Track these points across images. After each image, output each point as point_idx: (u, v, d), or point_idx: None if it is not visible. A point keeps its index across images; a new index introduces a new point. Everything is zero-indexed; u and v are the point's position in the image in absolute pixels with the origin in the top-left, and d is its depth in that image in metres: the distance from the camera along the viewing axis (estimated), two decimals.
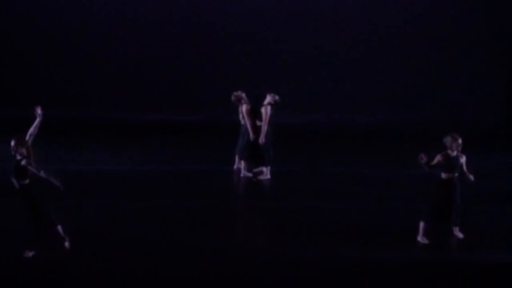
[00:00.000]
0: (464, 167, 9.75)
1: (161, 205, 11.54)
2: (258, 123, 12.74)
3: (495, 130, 18.11)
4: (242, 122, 12.95)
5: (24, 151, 8.85)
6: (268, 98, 12.77)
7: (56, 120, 16.54)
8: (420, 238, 9.84)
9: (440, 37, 18.69)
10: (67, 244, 9.15)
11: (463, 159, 9.70)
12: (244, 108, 12.77)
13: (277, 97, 12.76)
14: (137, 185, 12.77)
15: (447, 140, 9.60)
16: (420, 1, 18.63)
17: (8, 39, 18.66)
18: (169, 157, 15.22)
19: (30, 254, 8.95)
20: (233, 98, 12.91)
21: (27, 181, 8.86)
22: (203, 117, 18.32)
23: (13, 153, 8.92)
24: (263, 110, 12.67)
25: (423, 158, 9.39)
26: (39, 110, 9.18)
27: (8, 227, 9.86)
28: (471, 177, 9.78)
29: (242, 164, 13.07)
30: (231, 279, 8.75)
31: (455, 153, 9.59)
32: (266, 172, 12.97)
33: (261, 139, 12.65)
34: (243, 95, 12.87)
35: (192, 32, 18.77)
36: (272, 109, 12.71)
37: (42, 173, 8.82)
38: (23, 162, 8.81)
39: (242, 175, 13.07)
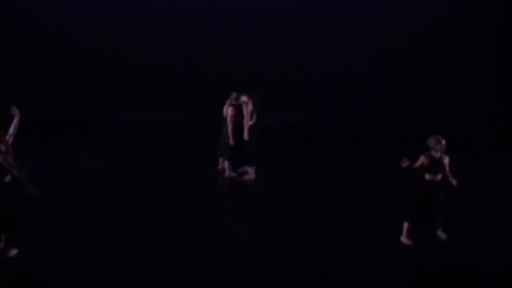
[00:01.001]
0: (447, 169, 9.73)
1: (147, 207, 11.48)
2: (242, 121, 12.78)
3: (480, 135, 18.28)
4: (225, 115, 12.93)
5: (3, 147, 8.74)
6: (245, 97, 12.77)
7: (50, 122, 17.31)
8: (403, 239, 9.83)
9: (429, 43, 18.90)
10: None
11: (446, 160, 9.68)
12: (230, 110, 12.74)
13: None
14: (125, 187, 12.74)
15: (431, 141, 9.59)
16: (412, 9, 18.80)
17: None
18: (154, 159, 15.14)
19: (13, 252, 8.85)
20: (234, 94, 12.88)
21: (7, 178, 8.72)
22: (190, 118, 18.28)
23: None
24: (244, 107, 12.70)
25: (406, 161, 9.42)
26: (15, 109, 9.10)
27: None
28: (454, 181, 9.78)
29: (226, 164, 13.04)
30: (213, 281, 8.73)
31: (438, 154, 9.56)
32: (251, 172, 12.97)
33: (246, 136, 12.68)
34: (243, 98, 12.78)
35: (188, 34, 18.89)
36: (252, 106, 12.76)
37: (15, 171, 8.71)
38: None
39: (226, 175, 13.04)
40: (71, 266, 8.82)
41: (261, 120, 13.27)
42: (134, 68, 18.78)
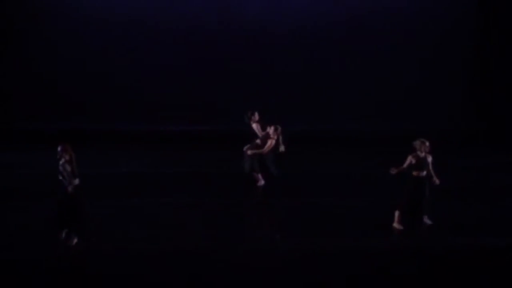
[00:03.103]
0: (431, 166, 11.08)
1: (171, 204, 12.80)
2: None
3: (460, 136, 19.32)
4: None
5: (67, 157, 10.13)
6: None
7: (87, 131, 18.53)
8: (395, 225, 11.21)
9: (415, 57, 19.78)
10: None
11: (430, 159, 11.08)
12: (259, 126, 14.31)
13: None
14: (155, 185, 14.13)
15: (417, 143, 11.02)
16: (396, 22, 19.66)
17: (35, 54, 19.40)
18: (181, 162, 16.46)
19: (74, 241, 10.34)
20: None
21: (76, 181, 10.19)
22: (215, 127, 19.15)
23: (58, 157, 10.14)
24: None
25: (394, 169, 10.94)
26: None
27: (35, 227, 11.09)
28: (437, 181, 11.12)
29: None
30: (234, 265, 9.70)
31: (423, 154, 10.99)
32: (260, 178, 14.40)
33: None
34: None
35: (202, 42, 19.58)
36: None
37: (68, 177, 10.02)
38: (60, 164, 10.08)
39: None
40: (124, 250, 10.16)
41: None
42: (160, 85, 19.60)
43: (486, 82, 20.08)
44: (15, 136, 18.67)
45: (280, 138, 14.19)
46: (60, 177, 10.26)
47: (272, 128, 13.98)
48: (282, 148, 14.19)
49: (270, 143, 13.96)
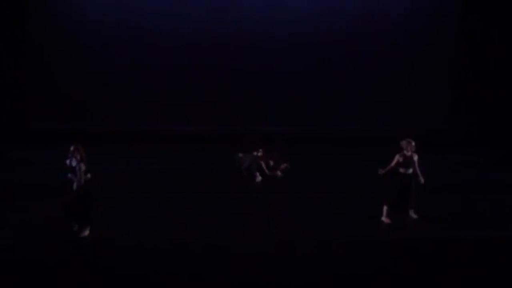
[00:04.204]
0: (417, 165, 11.71)
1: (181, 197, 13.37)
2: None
3: (443, 137, 19.90)
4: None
5: (79, 156, 10.60)
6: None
7: (88, 130, 18.80)
8: (384, 219, 11.82)
9: (404, 65, 20.38)
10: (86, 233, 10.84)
11: (416, 158, 11.73)
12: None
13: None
14: (155, 184, 14.66)
15: (403, 143, 11.69)
16: (397, 29, 20.20)
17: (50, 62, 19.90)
18: (181, 161, 16.93)
19: (86, 233, 10.87)
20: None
21: (88, 175, 10.72)
22: (215, 127, 19.65)
23: (69, 155, 10.53)
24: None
25: (381, 170, 11.60)
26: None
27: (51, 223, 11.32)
28: (422, 179, 11.72)
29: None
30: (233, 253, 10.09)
31: (409, 153, 11.65)
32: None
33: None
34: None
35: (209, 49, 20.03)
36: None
37: (80, 174, 10.47)
38: (72, 162, 10.51)
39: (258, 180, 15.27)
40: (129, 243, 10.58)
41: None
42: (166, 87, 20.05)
43: (484, 82, 20.51)
44: (14, 136, 19.07)
45: (280, 170, 15.37)
46: (69, 175, 10.73)
47: (284, 165, 15.38)
48: (278, 173, 15.35)
49: (273, 170, 15.26)
